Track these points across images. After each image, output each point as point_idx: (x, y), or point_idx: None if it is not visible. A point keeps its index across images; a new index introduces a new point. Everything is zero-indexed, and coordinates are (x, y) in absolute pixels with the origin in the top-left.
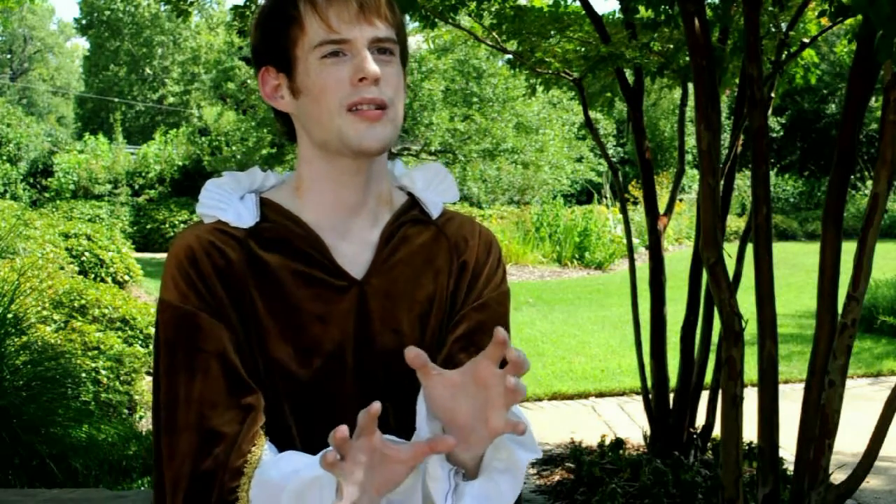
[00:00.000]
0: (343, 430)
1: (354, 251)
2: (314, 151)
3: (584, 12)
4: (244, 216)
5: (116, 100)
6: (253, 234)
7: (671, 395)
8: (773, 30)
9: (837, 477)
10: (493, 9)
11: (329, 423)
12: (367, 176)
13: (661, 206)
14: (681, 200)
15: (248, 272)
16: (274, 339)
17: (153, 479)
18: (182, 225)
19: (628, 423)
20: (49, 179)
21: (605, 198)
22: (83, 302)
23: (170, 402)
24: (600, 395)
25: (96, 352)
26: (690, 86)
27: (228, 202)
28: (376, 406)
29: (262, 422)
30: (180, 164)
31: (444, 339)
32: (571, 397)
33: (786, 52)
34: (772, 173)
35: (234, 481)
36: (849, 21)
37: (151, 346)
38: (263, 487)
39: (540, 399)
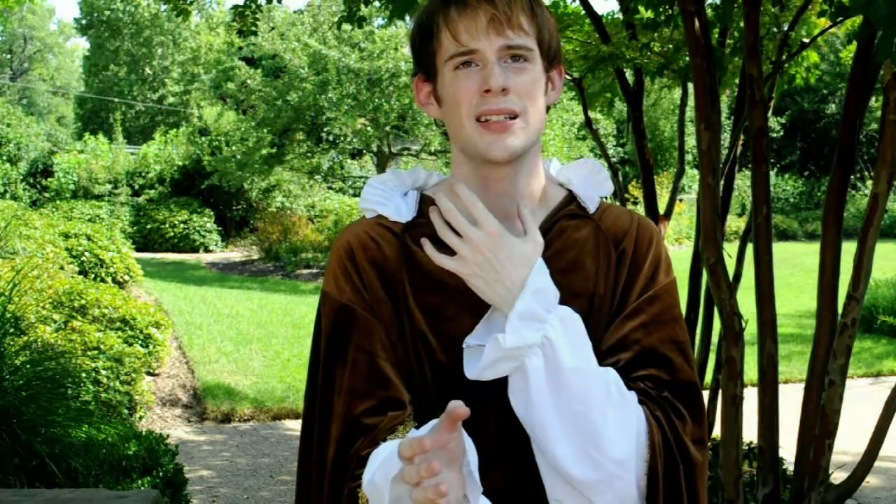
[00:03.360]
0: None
1: None
2: (460, 156)
3: (584, 12)
4: (403, 211)
5: (116, 100)
6: (409, 228)
7: None
8: (774, 30)
9: (837, 477)
10: None
11: (471, 412)
12: (514, 178)
13: (661, 207)
14: (681, 200)
15: (403, 265)
16: (424, 330)
17: (299, 459)
18: (182, 225)
19: None
20: (49, 179)
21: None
22: (83, 302)
23: (326, 390)
24: None
25: (96, 352)
26: (690, 86)
27: (389, 197)
28: (462, 410)
29: (407, 414)
30: (180, 164)
31: (615, 323)
32: None
33: (786, 53)
34: (772, 173)
35: (359, 468)
36: (848, 21)
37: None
38: (373, 461)
39: None
